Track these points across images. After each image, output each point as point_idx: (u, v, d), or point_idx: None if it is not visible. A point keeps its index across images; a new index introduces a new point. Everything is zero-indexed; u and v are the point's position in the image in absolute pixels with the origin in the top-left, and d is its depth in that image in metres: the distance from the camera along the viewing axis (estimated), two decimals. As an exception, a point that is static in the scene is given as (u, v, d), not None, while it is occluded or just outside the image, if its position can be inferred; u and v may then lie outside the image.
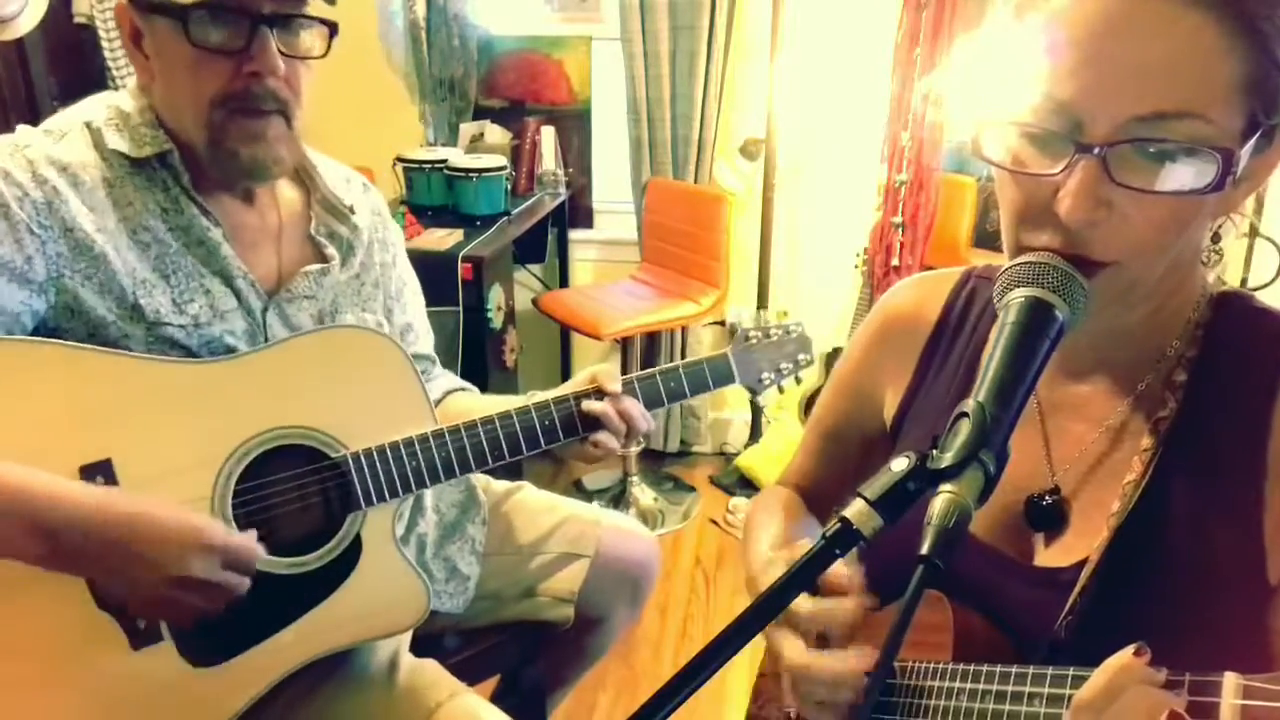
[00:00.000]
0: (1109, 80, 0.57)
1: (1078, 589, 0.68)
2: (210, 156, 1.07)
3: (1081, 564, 0.69)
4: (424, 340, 1.40)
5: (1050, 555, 0.74)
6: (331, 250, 1.21)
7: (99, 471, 0.99)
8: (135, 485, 1.00)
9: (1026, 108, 0.61)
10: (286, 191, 1.21)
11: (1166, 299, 0.69)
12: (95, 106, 1.09)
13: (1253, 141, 0.58)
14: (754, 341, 1.39)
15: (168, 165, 1.07)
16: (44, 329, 1.02)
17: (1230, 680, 0.50)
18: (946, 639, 0.73)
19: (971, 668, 0.69)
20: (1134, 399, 0.72)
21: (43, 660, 1.00)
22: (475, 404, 1.35)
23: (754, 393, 1.42)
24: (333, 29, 1.10)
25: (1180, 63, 0.56)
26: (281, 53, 1.04)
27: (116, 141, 1.05)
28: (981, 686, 0.67)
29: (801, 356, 1.44)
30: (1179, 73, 0.56)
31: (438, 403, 1.36)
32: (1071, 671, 0.60)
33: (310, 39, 1.09)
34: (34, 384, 0.98)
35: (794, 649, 0.74)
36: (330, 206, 1.23)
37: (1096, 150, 0.57)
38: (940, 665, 0.72)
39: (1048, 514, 0.74)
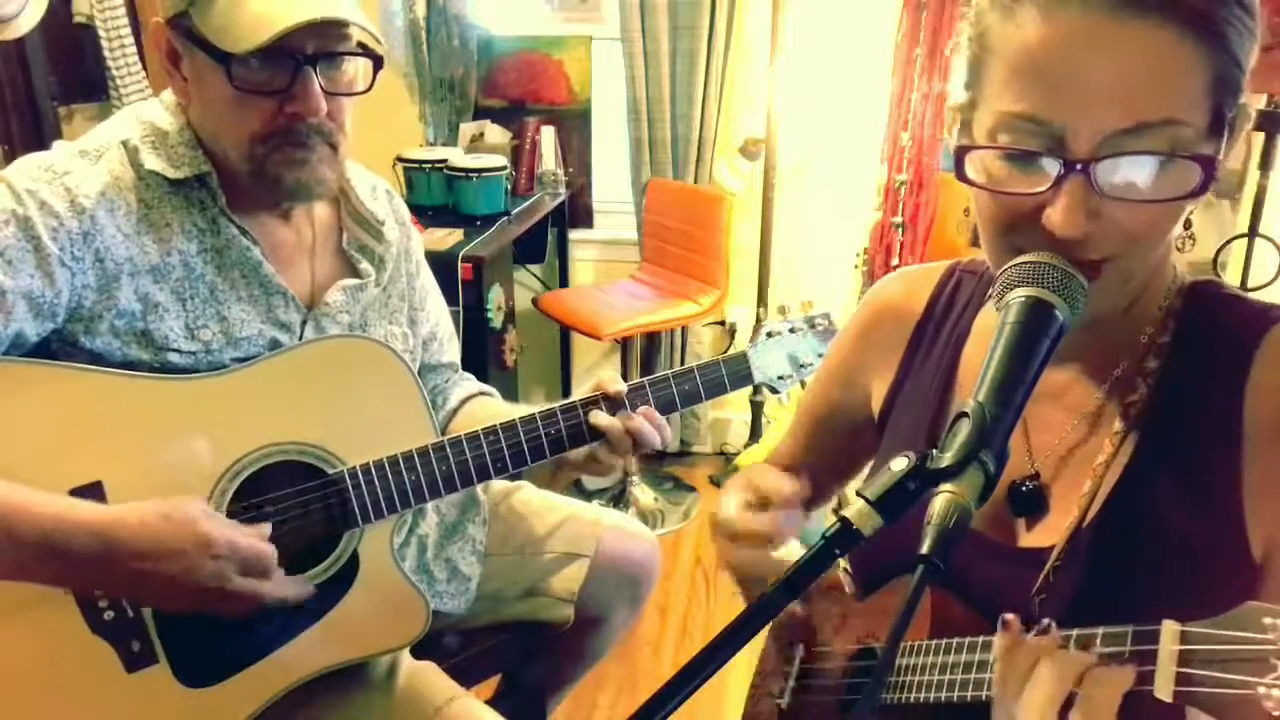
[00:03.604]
0: (1089, 97, 0.58)
1: (1048, 566, 0.70)
2: (253, 181, 1.06)
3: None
4: (449, 348, 1.39)
5: (1032, 538, 0.76)
6: (366, 266, 1.20)
7: (89, 494, 0.98)
8: None
9: (1006, 130, 0.62)
10: (319, 206, 1.20)
11: (1143, 285, 0.71)
12: (130, 123, 1.07)
13: (1227, 135, 0.61)
14: (774, 337, 1.32)
15: (205, 186, 1.06)
16: (40, 346, 1.01)
17: (1169, 628, 0.53)
18: (923, 622, 0.75)
19: (940, 642, 0.71)
20: (1109, 386, 0.74)
21: (38, 686, 0.99)
22: (496, 409, 1.33)
23: (775, 392, 1.34)
24: (378, 62, 1.08)
25: (1156, 75, 0.57)
26: (324, 89, 1.03)
27: (154, 162, 1.03)
28: (950, 658, 0.70)
29: (828, 349, 1.33)
30: (1156, 85, 0.58)
31: (458, 408, 1.35)
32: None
33: (354, 72, 1.07)
34: (21, 406, 0.97)
35: (726, 507, 0.85)
36: (361, 220, 1.22)
37: (1081, 166, 0.59)
38: (916, 643, 0.74)
39: (1028, 499, 0.76)
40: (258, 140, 1.03)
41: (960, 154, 0.65)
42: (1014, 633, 0.61)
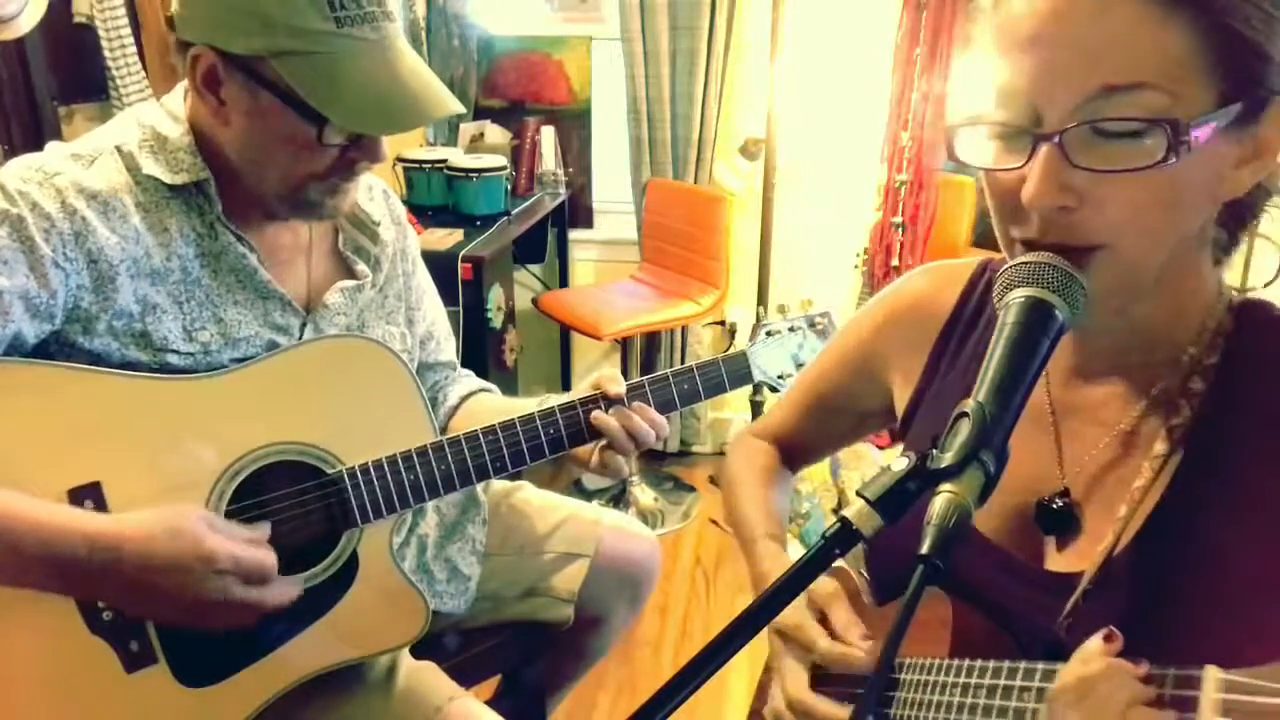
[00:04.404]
0: (1056, 67, 0.59)
1: (1079, 591, 0.67)
2: (283, 204, 1.06)
3: None
4: (446, 347, 1.39)
5: (1061, 560, 0.73)
6: (363, 267, 1.20)
7: (88, 495, 0.98)
8: (125, 507, 0.98)
9: (990, 107, 0.63)
10: None
11: (1176, 296, 0.68)
12: (128, 127, 1.06)
13: (1224, 114, 0.58)
14: (774, 335, 1.32)
15: (203, 192, 1.06)
16: (39, 348, 1.00)
17: (1211, 674, 0.51)
18: (945, 635, 0.73)
19: (965, 663, 0.69)
20: (1148, 404, 0.70)
21: (37, 687, 0.99)
22: (496, 405, 1.34)
23: (775, 390, 1.33)
24: None
25: (1121, 40, 0.57)
26: None
27: (152, 167, 1.03)
28: (974, 681, 0.67)
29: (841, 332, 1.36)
30: (1122, 49, 0.57)
31: (458, 406, 1.35)
32: (1061, 667, 0.60)
33: None
34: (20, 406, 0.97)
35: (797, 683, 0.81)
36: (357, 221, 1.22)
37: (1053, 137, 0.59)
38: (934, 660, 0.72)
39: (1058, 517, 0.73)
40: (314, 178, 1.04)
41: (949, 132, 0.66)
42: (1116, 647, 0.57)
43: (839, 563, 0.92)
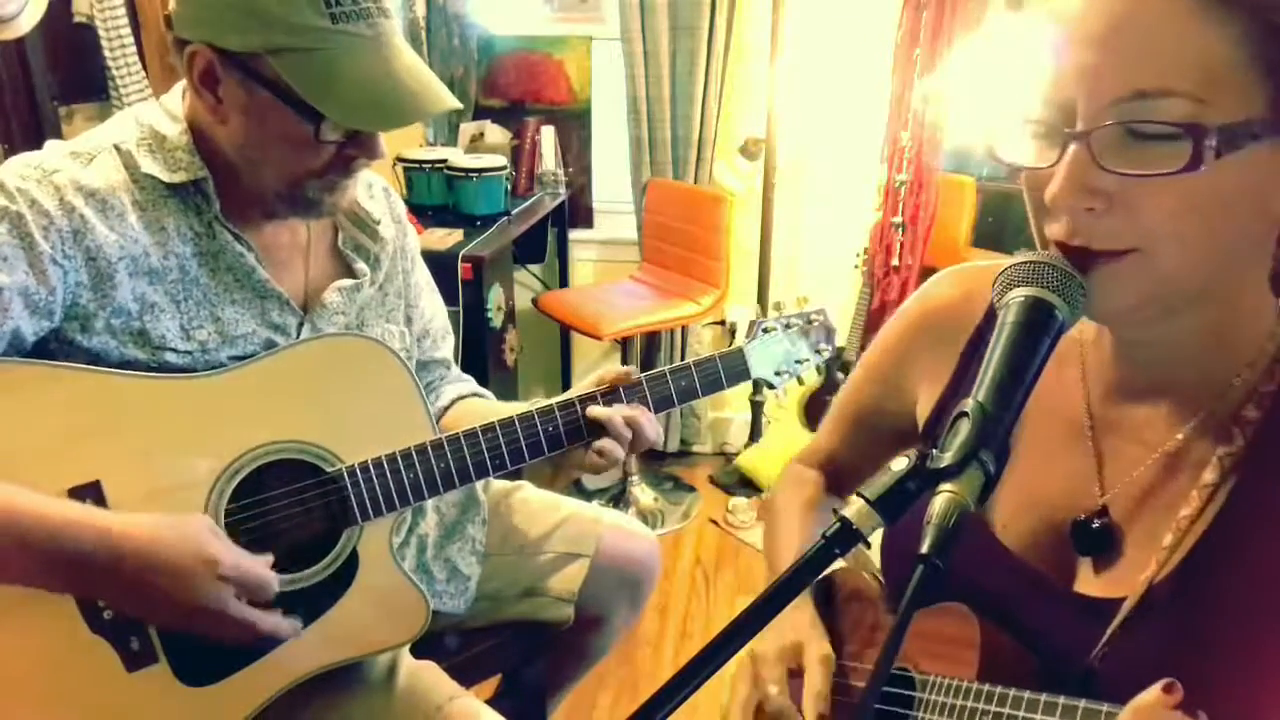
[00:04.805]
0: (1089, 68, 0.58)
1: (1118, 621, 0.65)
2: (282, 202, 1.07)
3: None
4: (443, 344, 1.39)
5: (1096, 583, 0.70)
6: (362, 266, 1.20)
7: (88, 493, 0.98)
8: (125, 506, 0.98)
9: (1029, 105, 0.62)
10: None
11: (1224, 315, 0.65)
12: (127, 126, 1.06)
13: (1268, 123, 0.55)
14: (770, 333, 1.31)
15: (201, 191, 1.06)
16: (39, 347, 1.01)
17: None
18: (972, 655, 0.71)
19: (998, 690, 0.66)
20: (1195, 427, 0.68)
21: (37, 686, 0.99)
22: (489, 409, 1.33)
23: (771, 387, 1.34)
24: None
25: (1153, 44, 0.56)
26: None
27: (150, 165, 1.03)
28: (1008, 711, 0.65)
29: (823, 346, 1.36)
30: (1153, 52, 0.56)
31: (449, 407, 1.35)
32: (1105, 709, 0.59)
33: None
34: (20, 406, 0.97)
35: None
36: (357, 219, 1.22)
37: (1082, 137, 0.58)
38: (965, 684, 0.70)
39: (1096, 537, 0.70)
40: (311, 175, 1.04)
41: (992, 131, 0.65)
42: (1175, 699, 0.55)
43: (864, 572, 0.91)
